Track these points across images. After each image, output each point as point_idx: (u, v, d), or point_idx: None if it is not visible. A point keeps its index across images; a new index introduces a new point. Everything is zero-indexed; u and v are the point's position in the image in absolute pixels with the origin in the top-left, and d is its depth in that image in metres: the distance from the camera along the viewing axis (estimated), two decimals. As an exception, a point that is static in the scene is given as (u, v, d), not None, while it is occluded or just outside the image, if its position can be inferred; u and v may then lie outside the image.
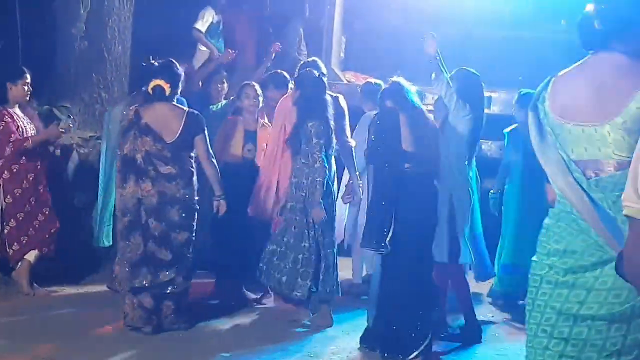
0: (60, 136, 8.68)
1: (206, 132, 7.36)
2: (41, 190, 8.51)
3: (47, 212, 8.55)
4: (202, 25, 11.63)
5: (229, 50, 11.34)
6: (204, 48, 11.59)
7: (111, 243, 8.61)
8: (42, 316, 7.77)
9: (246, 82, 8.83)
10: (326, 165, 7.65)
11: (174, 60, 7.51)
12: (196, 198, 7.36)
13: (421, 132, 6.93)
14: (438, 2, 11.85)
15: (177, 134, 7.23)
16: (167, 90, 7.27)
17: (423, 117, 7.09)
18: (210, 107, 9.69)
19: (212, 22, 11.74)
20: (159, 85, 7.27)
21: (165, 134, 7.23)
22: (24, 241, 8.45)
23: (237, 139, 8.57)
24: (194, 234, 7.36)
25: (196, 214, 7.36)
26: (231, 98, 9.46)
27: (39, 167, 8.52)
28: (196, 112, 7.42)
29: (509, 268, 8.92)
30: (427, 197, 6.89)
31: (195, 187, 7.36)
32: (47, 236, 8.52)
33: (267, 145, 8.19)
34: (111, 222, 8.54)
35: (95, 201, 8.86)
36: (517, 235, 8.85)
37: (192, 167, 7.32)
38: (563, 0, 11.66)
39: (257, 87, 8.57)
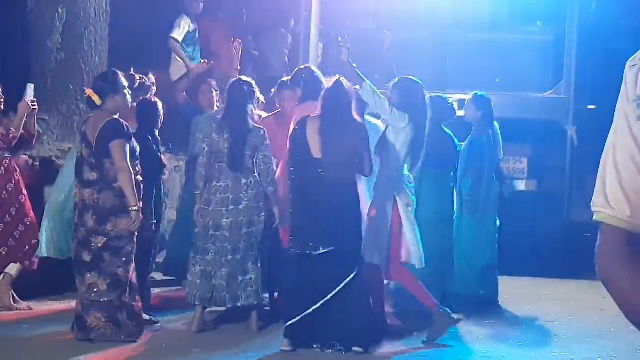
0: (30, 108, 8.50)
1: (125, 139, 7.29)
2: (22, 201, 8.44)
3: (28, 223, 8.48)
4: (178, 34, 11.63)
5: (203, 60, 11.36)
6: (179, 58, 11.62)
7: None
8: (23, 331, 7.71)
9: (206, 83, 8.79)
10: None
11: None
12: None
13: (337, 139, 7.08)
14: (413, 6, 11.88)
15: (95, 140, 7.25)
16: (96, 101, 7.35)
17: (346, 123, 7.18)
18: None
19: (188, 31, 11.75)
20: (89, 96, 7.41)
21: (91, 140, 7.28)
22: (4, 252, 8.38)
23: None
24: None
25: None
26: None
27: (18, 177, 8.45)
28: (116, 119, 7.34)
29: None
30: (345, 202, 7.12)
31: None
32: (27, 248, 8.44)
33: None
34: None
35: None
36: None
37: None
38: (538, 3, 11.75)
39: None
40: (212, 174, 7.77)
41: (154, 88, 9.02)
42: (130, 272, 7.30)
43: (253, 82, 8.16)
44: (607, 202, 1.97)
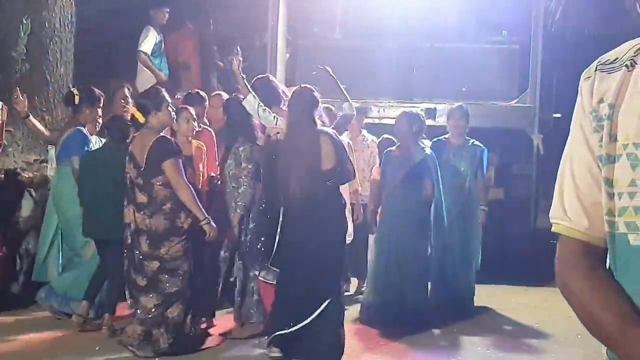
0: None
1: (176, 156, 7.18)
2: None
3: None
4: (147, 47, 11.59)
5: None
6: (146, 69, 11.57)
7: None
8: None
9: (182, 106, 8.68)
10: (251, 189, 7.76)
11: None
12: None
13: (299, 152, 6.98)
14: (380, 16, 11.92)
15: (144, 161, 7.12)
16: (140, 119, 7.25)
17: (307, 133, 7.08)
18: None
19: (155, 42, 11.72)
20: (133, 115, 7.36)
21: (140, 160, 7.14)
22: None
23: None
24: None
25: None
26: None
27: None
28: (163, 136, 7.30)
29: None
30: (323, 217, 6.98)
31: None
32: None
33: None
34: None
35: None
36: None
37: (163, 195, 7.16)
38: (503, 12, 11.83)
39: (192, 110, 8.38)
40: None
41: (129, 101, 9.00)
42: (184, 289, 7.21)
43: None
44: (565, 214, 1.99)
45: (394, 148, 8.90)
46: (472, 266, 9.28)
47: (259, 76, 8.49)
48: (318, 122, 7.16)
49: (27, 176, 9.52)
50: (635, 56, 1.93)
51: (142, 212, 7.10)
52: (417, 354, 7.76)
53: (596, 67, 1.99)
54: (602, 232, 1.94)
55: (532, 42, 11.32)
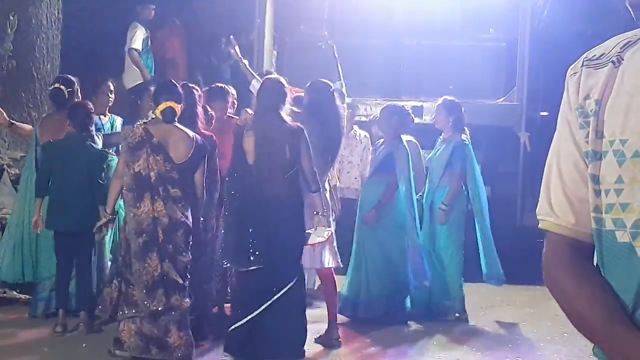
0: None
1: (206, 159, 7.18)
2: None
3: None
4: (138, 43, 11.54)
5: None
6: (133, 66, 11.54)
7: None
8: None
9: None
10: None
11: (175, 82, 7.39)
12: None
13: (265, 145, 6.86)
14: (367, 14, 11.92)
15: (187, 157, 7.02)
16: (178, 113, 7.13)
17: (275, 126, 6.96)
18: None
19: (142, 39, 11.69)
20: (170, 107, 7.06)
21: (175, 156, 7.02)
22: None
23: None
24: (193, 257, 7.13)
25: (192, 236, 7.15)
26: None
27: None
28: (201, 138, 7.21)
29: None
30: (280, 215, 6.86)
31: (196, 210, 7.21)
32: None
33: None
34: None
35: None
36: None
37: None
38: (490, 10, 11.84)
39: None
40: None
41: (112, 95, 8.96)
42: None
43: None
44: (552, 210, 1.99)
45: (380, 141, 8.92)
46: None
47: (269, 75, 8.47)
48: (285, 115, 7.03)
49: (13, 172, 9.49)
50: (621, 52, 1.92)
51: (180, 205, 6.96)
52: (397, 350, 7.75)
53: (582, 63, 1.99)
54: (588, 229, 1.94)
55: (519, 40, 11.34)
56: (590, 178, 1.91)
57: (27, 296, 8.51)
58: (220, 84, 9.12)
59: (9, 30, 10.02)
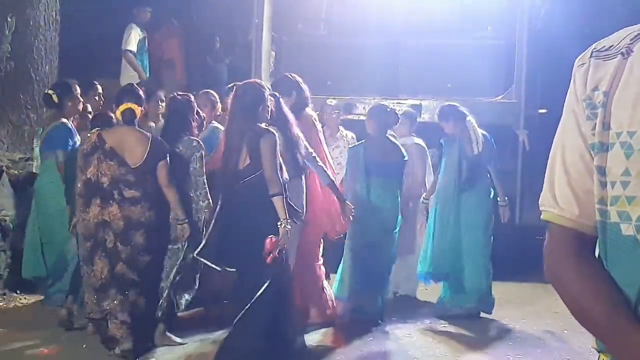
0: None
1: (168, 158, 7.22)
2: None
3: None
4: (132, 45, 11.60)
5: None
6: (130, 68, 11.57)
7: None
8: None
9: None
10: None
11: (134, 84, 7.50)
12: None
13: (234, 147, 6.77)
14: (365, 12, 11.92)
15: (143, 159, 7.10)
16: (138, 114, 7.24)
17: (245, 128, 6.78)
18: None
19: (139, 39, 11.72)
20: (129, 109, 7.19)
21: (130, 159, 7.10)
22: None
23: None
24: (161, 256, 7.28)
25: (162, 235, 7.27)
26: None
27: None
28: (159, 138, 7.32)
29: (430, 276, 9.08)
30: (251, 217, 6.74)
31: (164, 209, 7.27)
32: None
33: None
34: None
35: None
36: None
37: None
38: (488, 8, 11.84)
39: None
40: None
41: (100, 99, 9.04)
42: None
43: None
44: (555, 202, 1.98)
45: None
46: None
47: (286, 75, 8.44)
48: (262, 118, 6.87)
49: (12, 173, 9.49)
50: (631, 44, 1.91)
51: (138, 206, 7.06)
52: (398, 347, 7.76)
53: (591, 54, 1.97)
54: (592, 221, 1.93)
55: (518, 38, 11.33)
56: (596, 170, 1.90)
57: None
58: (207, 90, 9.24)
59: (7, 32, 10.01)
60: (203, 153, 7.64)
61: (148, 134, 7.27)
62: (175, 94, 8.01)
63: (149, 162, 7.12)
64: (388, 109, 8.81)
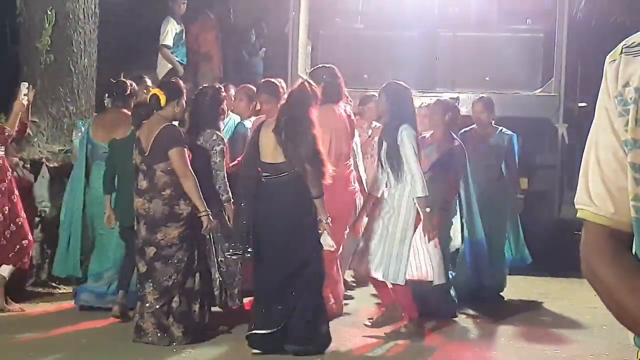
0: (24, 106, 8.48)
1: (185, 147, 7.20)
2: (14, 200, 8.37)
3: (19, 223, 8.39)
4: (169, 40, 11.68)
5: None
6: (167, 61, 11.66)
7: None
8: (14, 333, 7.68)
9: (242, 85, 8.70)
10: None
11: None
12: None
13: (286, 146, 6.87)
14: (402, 6, 11.88)
15: (149, 147, 7.18)
16: (163, 101, 7.25)
17: (298, 130, 6.92)
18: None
19: (175, 32, 11.78)
20: (154, 94, 7.29)
21: (144, 146, 7.20)
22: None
23: None
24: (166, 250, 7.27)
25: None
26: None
27: (10, 177, 8.39)
28: (172, 125, 7.32)
29: None
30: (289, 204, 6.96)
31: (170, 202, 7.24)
32: (18, 248, 8.33)
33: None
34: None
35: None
36: None
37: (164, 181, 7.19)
38: (527, 0, 11.75)
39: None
40: None
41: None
42: (182, 279, 7.22)
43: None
44: (590, 199, 1.96)
45: (427, 135, 8.73)
46: (503, 257, 9.23)
47: (323, 65, 8.44)
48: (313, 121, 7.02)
49: (52, 166, 9.57)
50: None
51: (143, 197, 7.16)
52: (440, 343, 7.74)
53: (621, 50, 1.95)
54: (628, 218, 1.91)
55: (557, 30, 11.21)
56: (630, 166, 1.88)
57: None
58: (245, 85, 9.26)
59: (47, 25, 10.11)
60: (224, 147, 7.65)
61: (168, 122, 7.26)
62: (203, 86, 8.04)
63: (154, 150, 7.14)
64: (454, 104, 8.96)
